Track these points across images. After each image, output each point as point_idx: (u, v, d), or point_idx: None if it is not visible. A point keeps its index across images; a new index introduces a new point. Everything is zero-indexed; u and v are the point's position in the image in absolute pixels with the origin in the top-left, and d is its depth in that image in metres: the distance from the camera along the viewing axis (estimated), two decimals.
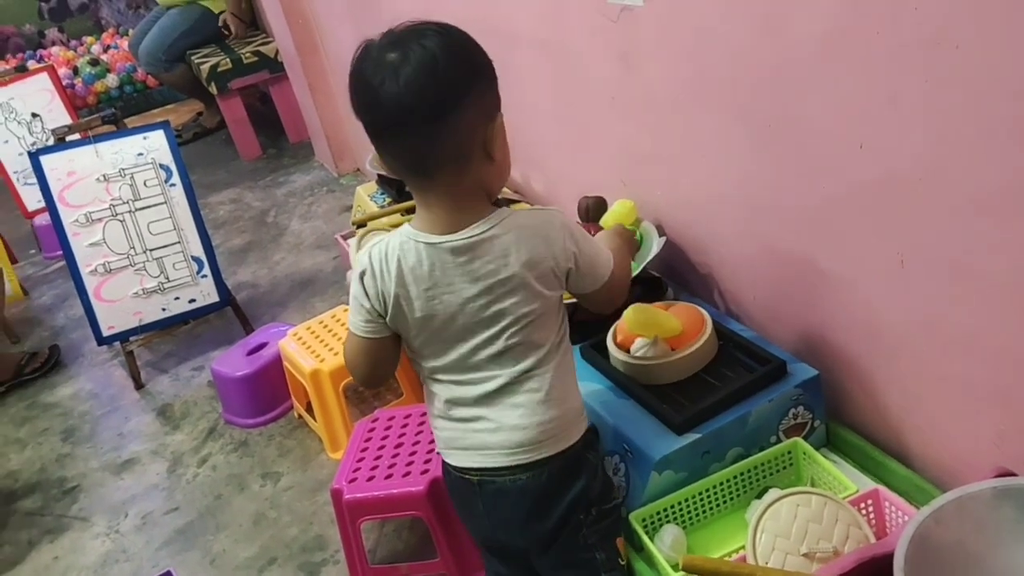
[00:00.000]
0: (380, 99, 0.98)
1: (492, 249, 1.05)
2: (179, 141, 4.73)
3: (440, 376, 1.14)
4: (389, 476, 1.60)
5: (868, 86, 1.10)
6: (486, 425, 1.13)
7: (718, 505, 1.32)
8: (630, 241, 1.46)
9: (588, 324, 1.55)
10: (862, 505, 1.21)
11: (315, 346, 2.09)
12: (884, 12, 1.03)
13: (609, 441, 1.38)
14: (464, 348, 1.10)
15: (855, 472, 1.34)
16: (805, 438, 1.36)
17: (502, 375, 1.10)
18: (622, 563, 1.23)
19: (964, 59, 0.96)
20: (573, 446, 1.15)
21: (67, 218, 2.50)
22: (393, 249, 1.08)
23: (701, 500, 1.31)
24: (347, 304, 2.21)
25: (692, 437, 1.30)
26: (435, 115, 0.97)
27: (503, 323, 1.08)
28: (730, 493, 1.33)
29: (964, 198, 1.03)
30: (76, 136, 2.62)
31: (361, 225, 2.33)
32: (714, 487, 1.31)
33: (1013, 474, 1.05)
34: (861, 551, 1.01)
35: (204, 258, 2.62)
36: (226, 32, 4.45)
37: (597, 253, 1.14)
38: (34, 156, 2.49)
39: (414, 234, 1.07)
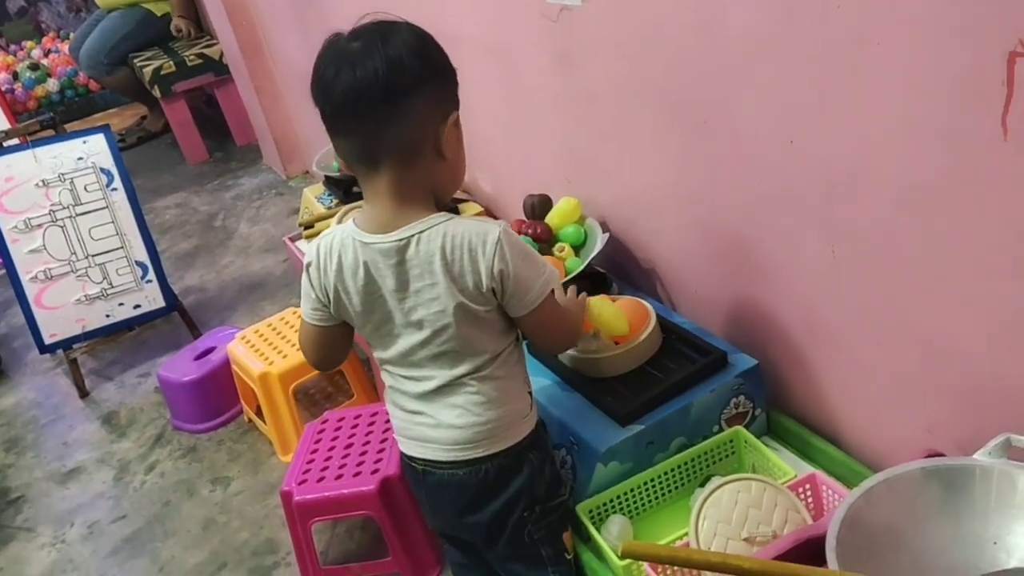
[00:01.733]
0: (337, 81, 0.99)
1: (419, 255, 1.04)
2: (123, 146, 4.66)
3: (388, 367, 1.16)
4: (340, 476, 1.60)
5: (797, 83, 1.14)
6: (427, 420, 1.14)
7: (663, 494, 1.35)
8: (581, 306, 1.34)
9: None
10: (800, 490, 1.24)
11: (264, 349, 2.07)
12: (813, 12, 1.06)
13: (556, 434, 1.40)
14: (403, 346, 1.10)
15: (794, 458, 1.38)
16: (746, 426, 1.40)
17: (438, 376, 1.11)
18: (568, 557, 1.25)
19: (887, 56, 0.99)
20: (515, 445, 1.16)
21: (5, 224, 2.44)
22: (336, 244, 1.09)
23: (646, 490, 1.33)
24: (297, 307, 2.20)
25: (636, 428, 1.32)
26: (387, 99, 0.98)
27: (432, 328, 1.08)
28: (674, 482, 1.35)
29: (891, 192, 1.07)
30: (15, 141, 2.56)
31: (308, 227, 2.32)
32: (658, 477, 1.34)
33: (942, 455, 1.09)
34: (797, 533, 1.05)
35: (148, 263, 2.58)
36: (178, 34, 4.37)
37: (533, 277, 1.07)
38: None
39: (353, 231, 1.07)
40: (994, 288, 1.00)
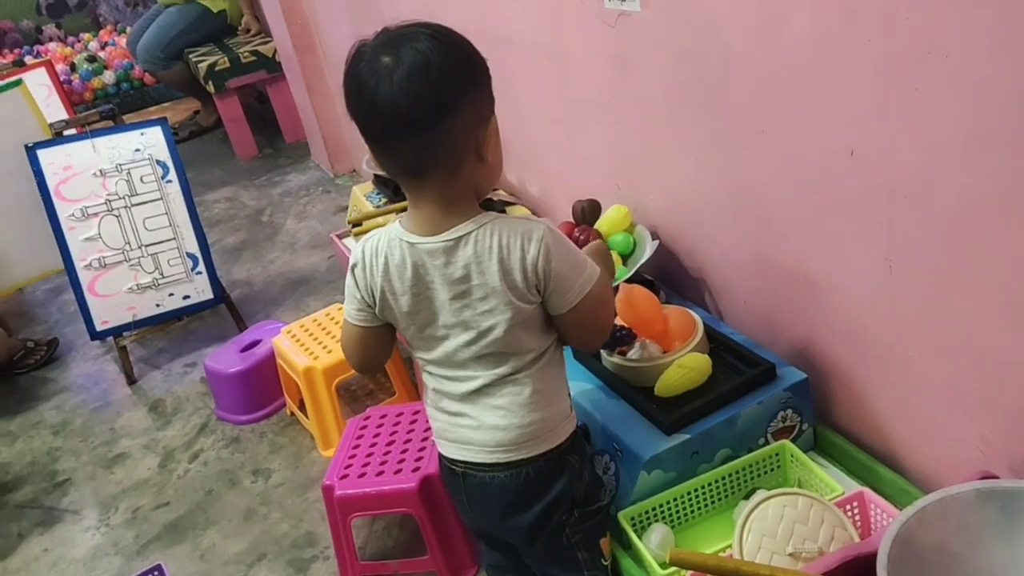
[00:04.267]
0: (375, 106, 0.98)
1: (467, 254, 1.04)
2: (175, 139, 4.76)
3: (430, 369, 1.16)
4: (380, 473, 1.61)
5: (859, 93, 1.12)
6: (469, 422, 1.14)
7: (706, 505, 1.34)
8: (607, 262, 1.28)
9: None
10: (848, 507, 1.23)
11: (309, 344, 2.09)
12: (876, 20, 1.05)
13: (599, 440, 1.40)
14: (448, 346, 1.11)
15: (841, 475, 1.36)
16: (793, 441, 1.38)
17: (482, 376, 1.11)
18: (605, 563, 1.24)
19: (954, 68, 0.98)
20: (555, 448, 1.15)
21: (63, 212, 2.50)
22: (383, 245, 1.10)
23: (689, 500, 1.32)
24: (341, 303, 2.23)
25: (681, 438, 1.32)
26: (430, 122, 0.98)
27: (479, 328, 1.08)
28: (718, 493, 1.34)
29: (952, 205, 1.05)
30: (73, 131, 2.63)
31: (356, 224, 2.35)
32: (702, 487, 1.32)
33: (996, 477, 1.07)
34: (845, 550, 1.03)
35: (199, 255, 2.63)
36: (247, 33, 4.45)
37: (575, 275, 1.07)
38: (31, 150, 2.49)
39: (400, 232, 1.08)
40: None
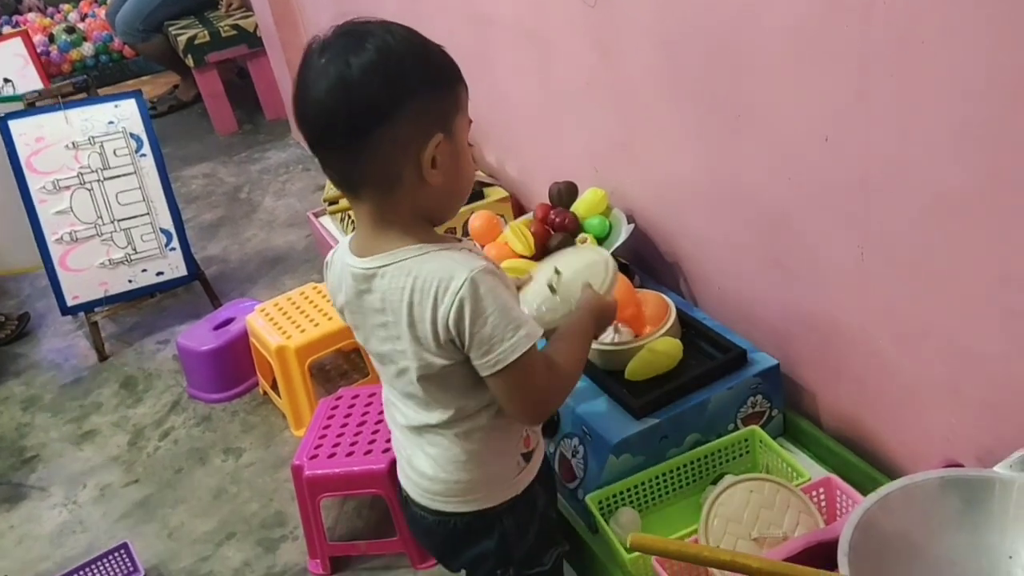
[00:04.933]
0: (305, 112, 0.92)
1: (383, 287, 0.96)
2: (154, 113, 4.68)
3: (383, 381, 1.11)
4: (350, 454, 1.60)
5: (835, 80, 1.11)
6: (405, 453, 1.10)
7: (674, 489, 1.34)
8: (601, 316, 1.14)
9: None
10: (814, 493, 1.23)
11: (282, 323, 2.07)
12: (856, 7, 1.04)
13: (568, 423, 1.39)
14: (383, 373, 1.06)
15: (810, 461, 1.37)
16: (763, 426, 1.38)
17: (413, 417, 1.05)
18: None
19: (930, 55, 0.97)
20: (487, 509, 1.08)
21: (34, 185, 2.45)
22: (334, 254, 1.05)
23: (657, 484, 1.32)
24: (317, 282, 2.20)
25: (650, 422, 1.31)
26: (351, 133, 0.89)
27: (397, 367, 1.01)
28: (687, 478, 1.34)
29: (925, 195, 1.05)
30: (48, 102, 2.58)
31: (332, 202, 2.33)
32: (671, 472, 1.32)
33: (961, 466, 1.08)
34: (808, 536, 1.03)
35: (173, 231, 2.59)
36: (229, 8, 4.36)
37: (498, 336, 0.93)
38: (2, 121, 2.44)
39: (344, 245, 1.02)
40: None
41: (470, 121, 0.98)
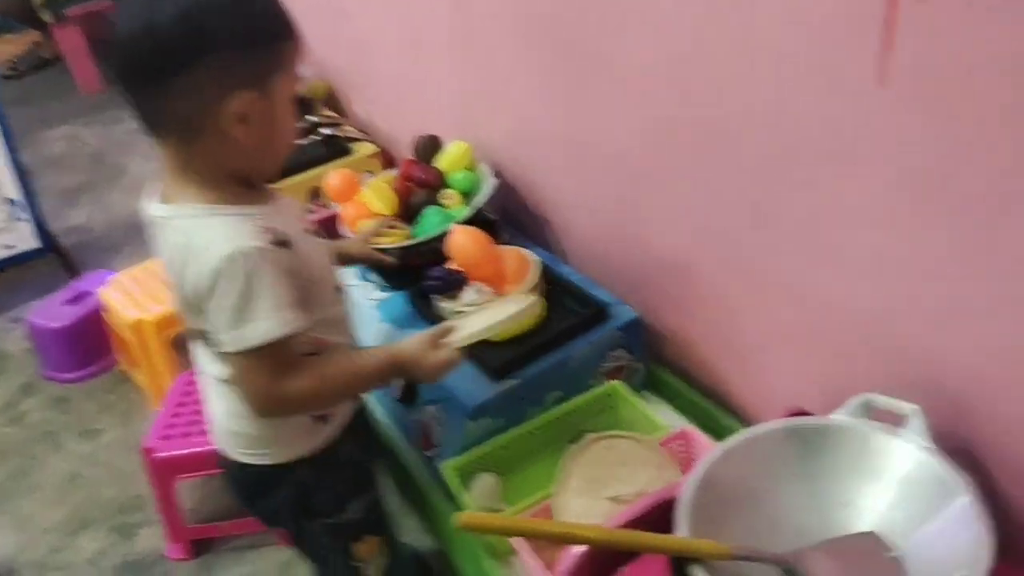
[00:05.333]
0: (111, 48, 0.89)
1: (166, 239, 0.95)
2: (15, 74, 4.34)
3: None
4: (206, 432, 1.50)
5: (681, 22, 1.07)
6: (205, 399, 1.09)
7: (536, 451, 1.30)
8: (393, 370, 1.05)
9: (419, 267, 1.50)
10: (674, 445, 1.21)
11: (139, 295, 1.94)
12: None
13: (428, 390, 1.33)
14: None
15: (673, 414, 1.35)
16: (625, 380, 1.36)
17: (206, 366, 1.03)
18: (361, 566, 1.15)
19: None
20: (274, 465, 1.06)
21: None
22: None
23: (517, 447, 1.29)
24: None
25: (509, 383, 1.27)
26: (151, 77, 0.87)
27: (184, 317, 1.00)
28: (548, 438, 1.31)
29: (773, 140, 1.02)
30: None
31: None
32: (530, 433, 1.29)
33: (808, 413, 1.07)
34: (658, 494, 1.00)
35: (23, 200, 2.39)
36: None
37: (228, 322, 0.90)
38: None
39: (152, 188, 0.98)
40: (868, 242, 0.96)
41: (299, 79, 0.96)
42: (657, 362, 1.41)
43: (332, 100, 2.29)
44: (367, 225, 1.52)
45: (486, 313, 1.18)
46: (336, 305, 1.10)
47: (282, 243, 0.94)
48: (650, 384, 1.40)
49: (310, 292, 0.99)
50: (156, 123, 0.91)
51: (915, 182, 0.86)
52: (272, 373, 0.93)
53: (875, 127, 0.88)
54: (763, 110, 1.01)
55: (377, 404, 1.47)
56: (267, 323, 0.90)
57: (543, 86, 1.42)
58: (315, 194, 1.95)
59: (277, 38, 0.92)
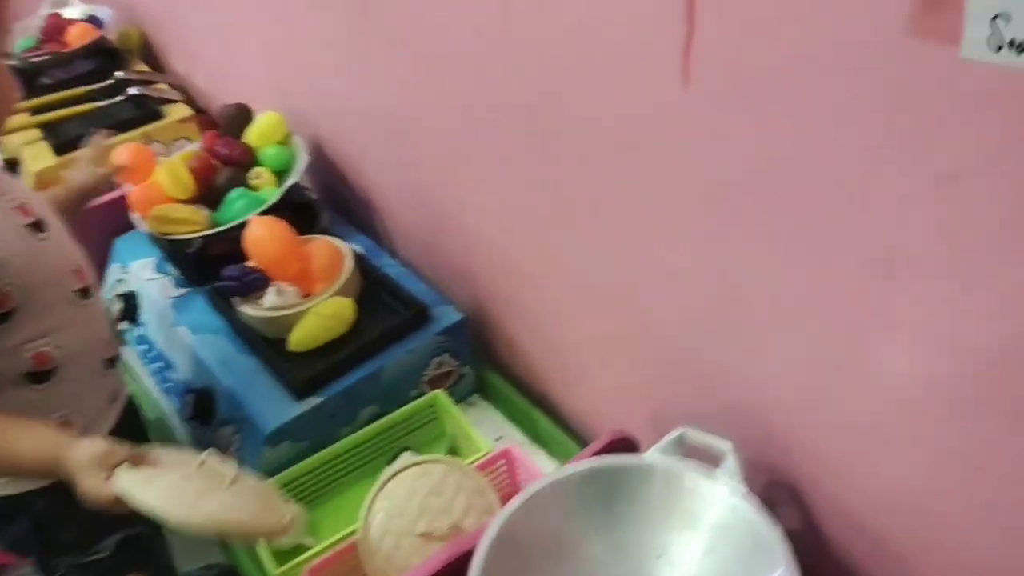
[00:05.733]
0: None
1: None
2: None
3: None
4: None
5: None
6: None
7: (349, 474, 1.17)
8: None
9: (223, 259, 1.32)
10: (497, 465, 1.10)
11: None
12: None
13: (225, 407, 1.18)
14: None
15: (503, 424, 1.24)
16: (452, 386, 1.24)
17: None
18: None
19: None
20: (14, 495, 0.98)
21: None
22: None
23: (327, 472, 1.15)
24: None
25: (313, 402, 1.13)
26: None
27: None
28: (362, 458, 1.17)
29: (581, 135, 0.88)
30: None
31: None
32: (340, 456, 1.15)
33: (630, 437, 0.97)
34: (447, 549, 0.89)
35: None
36: None
37: None
38: None
39: None
40: (680, 255, 0.84)
41: (6, 30, 0.87)
42: (488, 364, 1.29)
43: (148, 52, 2.02)
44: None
45: (179, 486, 0.86)
46: (73, 310, 0.98)
47: None
48: (480, 388, 1.29)
49: (22, 299, 0.89)
50: None
51: (725, 192, 0.75)
52: None
53: (681, 129, 0.75)
54: (572, 98, 0.87)
55: (171, 416, 1.30)
56: None
57: (350, 52, 1.24)
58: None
59: None
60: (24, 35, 1.97)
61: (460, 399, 1.25)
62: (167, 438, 1.28)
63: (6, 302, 0.90)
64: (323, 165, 1.47)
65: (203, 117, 1.80)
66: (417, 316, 1.20)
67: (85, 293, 1.02)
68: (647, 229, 0.87)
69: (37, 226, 0.96)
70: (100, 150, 1.29)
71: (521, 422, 1.22)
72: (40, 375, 0.97)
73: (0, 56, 0.90)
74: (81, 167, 1.26)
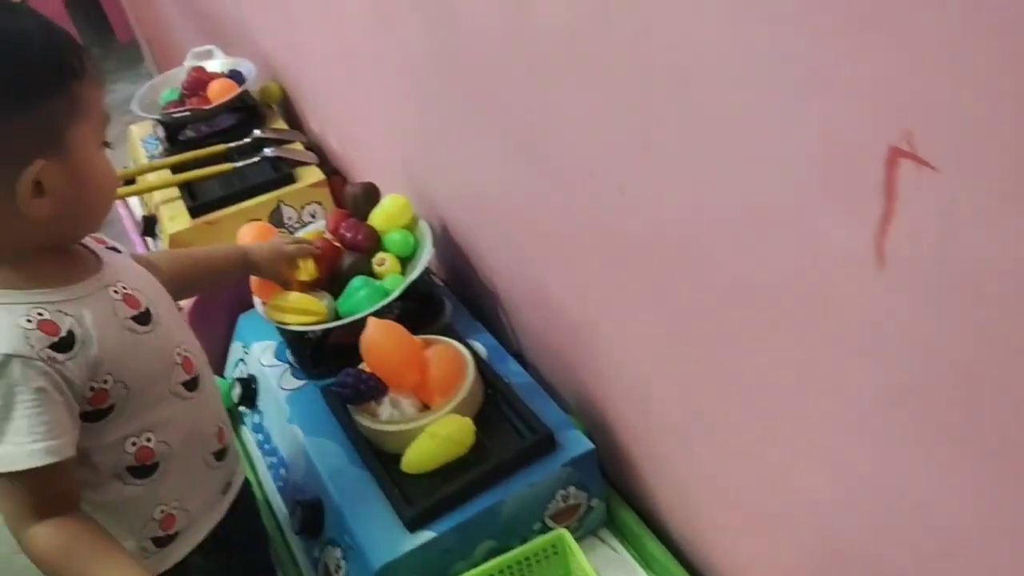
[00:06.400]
0: None
1: None
2: None
3: None
4: None
5: (619, 116, 0.78)
6: None
7: None
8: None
9: (343, 350, 1.25)
10: None
11: None
12: (632, 24, 0.69)
13: (333, 527, 1.10)
14: None
15: (634, 567, 1.10)
16: (580, 520, 1.11)
17: None
18: None
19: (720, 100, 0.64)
20: None
21: None
22: None
23: None
24: None
25: (427, 535, 1.02)
26: None
27: None
28: None
29: (731, 281, 0.74)
30: None
31: (129, 181, 1.92)
32: None
33: None
34: None
35: None
36: None
37: None
38: None
39: None
40: (848, 452, 0.69)
41: (106, 117, 0.85)
42: (619, 495, 1.15)
43: (287, 106, 2.01)
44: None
45: None
46: (178, 404, 0.93)
47: (64, 346, 0.81)
48: (611, 522, 1.15)
49: (119, 396, 0.86)
50: None
51: (908, 394, 0.58)
52: (19, 507, 0.80)
53: (866, 313, 0.60)
54: (727, 248, 0.73)
55: (282, 526, 1.24)
56: (14, 451, 0.77)
57: (477, 140, 1.13)
58: None
59: (62, 80, 0.78)
60: (169, 87, 1.99)
61: (588, 532, 1.13)
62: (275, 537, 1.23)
63: (103, 399, 0.86)
64: (445, 249, 1.38)
65: (336, 181, 1.76)
66: (543, 442, 1.08)
67: (192, 385, 0.97)
68: (808, 410, 0.71)
69: (143, 318, 0.91)
70: (295, 247, 1.23)
71: (652, 568, 1.08)
72: (142, 469, 0.92)
73: (101, 146, 0.86)
74: (271, 246, 1.22)
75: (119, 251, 1.00)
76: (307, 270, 1.28)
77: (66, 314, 0.83)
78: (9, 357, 0.77)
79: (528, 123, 0.97)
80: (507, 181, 1.11)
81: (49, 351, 0.79)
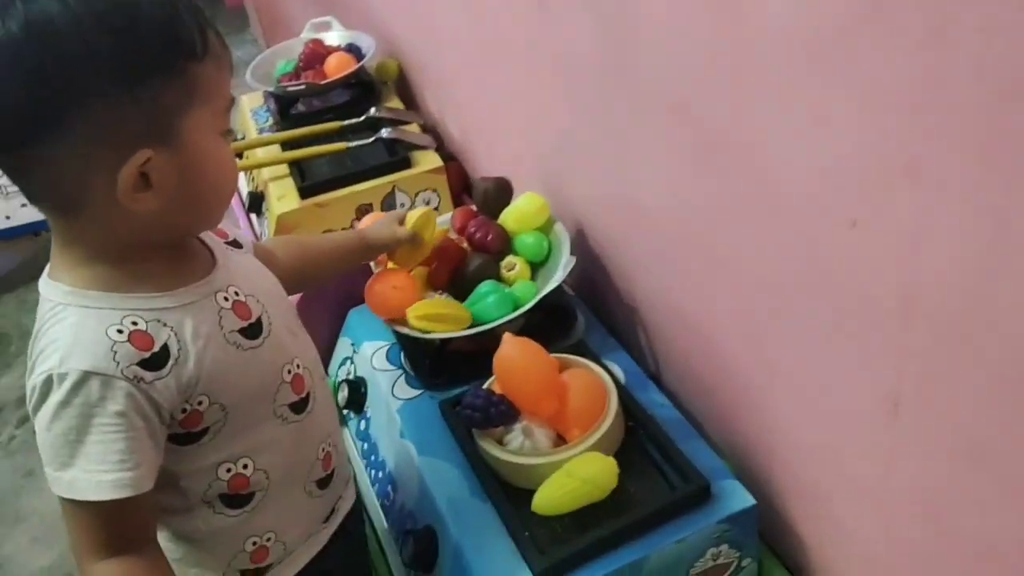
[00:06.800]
0: None
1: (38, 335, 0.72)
2: None
3: None
4: None
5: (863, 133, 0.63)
6: None
7: None
8: None
9: (465, 358, 1.14)
10: None
11: None
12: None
13: (449, 564, 0.99)
14: None
15: None
16: None
17: None
18: None
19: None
20: None
21: None
22: None
23: None
24: None
25: None
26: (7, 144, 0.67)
27: None
28: None
29: (945, 326, 0.59)
30: None
31: (237, 155, 1.85)
32: None
33: None
34: None
35: None
36: None
37: (49, 458, 0.70)
38: None
39: None
40: None
41: (230, 103, 0.75)
42: (774, 555, 1.01)
43: (403, 85, 1.90)
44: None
45: None
46: (282, 427, 0.84)
47: (155, 364, 0.71)
48: None
49: (214, 418, 0.77)
50: (30, 195, 0.71)
51: None
52: (83, 538, 0.71)
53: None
54: (930, 292, 0.58)
55: (384, 549, 1.13)
56: (82, 479, 0.68)
57: (643, 143, 0.99)
58: (363, 213, 1.59)
59: (175, 66, 0.68)
60: (285, 59, 1.90)
61: None
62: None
63: (196, 421, 0.76)
64: (580, 256, 1.25)
65: (452, 167, 1.64)
66: (697, 493, 0.94)
67: (301, 406, 0.86)
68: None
69: (252, 330, 0.80)
70: (423, 218, 1.12)
71: None
72: (236, 499, 0.82)
73: (221, 136, 0.75)
74: (385, 221, 1.12)
75: (240, 245, 0.90)
76: (422, 273, 1.17)
77: (164, 324, 0.73)
78: (88, 374, 0.67)
79: (717, 134, 0.83)
80: (674, 193, 0.96)
81: (136, 368, 0.70)
